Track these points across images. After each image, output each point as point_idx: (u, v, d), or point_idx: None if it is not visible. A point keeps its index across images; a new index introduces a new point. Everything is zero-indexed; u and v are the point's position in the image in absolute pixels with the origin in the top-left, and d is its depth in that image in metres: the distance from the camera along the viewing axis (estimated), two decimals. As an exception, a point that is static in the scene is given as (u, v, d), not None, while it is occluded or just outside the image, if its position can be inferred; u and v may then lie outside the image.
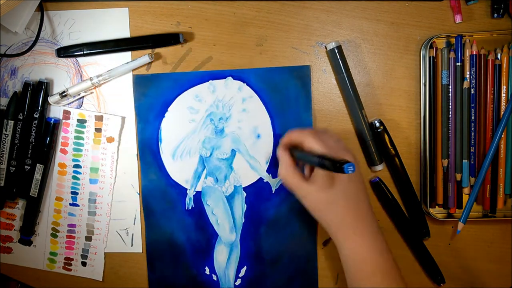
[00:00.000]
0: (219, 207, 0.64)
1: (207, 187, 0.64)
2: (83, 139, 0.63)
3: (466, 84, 0.59)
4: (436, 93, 0.60)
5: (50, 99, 0.61)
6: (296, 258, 0.64)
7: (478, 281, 0.64)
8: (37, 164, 0.62)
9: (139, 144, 0.63)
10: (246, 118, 0.63)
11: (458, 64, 0.59)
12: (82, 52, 0.61)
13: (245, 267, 0.65)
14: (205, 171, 0.64)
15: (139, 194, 0.64)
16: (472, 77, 0.59)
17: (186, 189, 0.64)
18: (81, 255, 0.65)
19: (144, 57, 0.60)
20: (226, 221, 0.64)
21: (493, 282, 0.64)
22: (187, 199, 0.64)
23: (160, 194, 0.64)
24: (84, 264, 0.65)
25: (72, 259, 0.65)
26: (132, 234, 0.65)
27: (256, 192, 0.64)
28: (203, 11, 0.61)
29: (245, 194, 0.64)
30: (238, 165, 0.63)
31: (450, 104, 0.59)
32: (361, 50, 0.61)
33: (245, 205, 0.64)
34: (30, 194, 0.62)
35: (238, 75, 0.62)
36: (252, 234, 0.64)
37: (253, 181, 0.63)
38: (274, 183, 0.63)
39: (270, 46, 0.61)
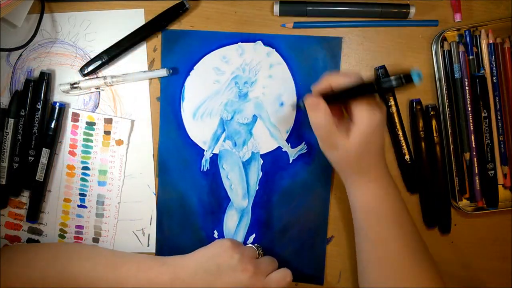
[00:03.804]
0: (235, 172, 0.64)
1: (225, 150, 0.64)
2: (92, 141, 0.64)
3: (485, 74, 0.60)
4: (450, 87, 0.61)
5: (61, 87, 0.63)
6: (306, 231, 0.64)
7: (481, 279, 0.64)
8: (43, 149, 0.62)
9: (161, 100, 0.63)
10: (272, 84, 0.63)
11: (471, 57, 0.60)
12: (103, 60, 0.62)
13: (253, 235, 0.64)
14: (224, 134, 0.63)
15: (155, 194, 0.64)
16: (493, 65, 0.60)
17: (203, 150, 0.64)
18: (88, 256, 0.65)
19: (161, 70, 0.62)
20: (240, 187, 0.64)
21: (496, 281, 0.64)
22: (203, 161, 0.64)
23: (176, 152, 0.64)
24: (91, 265, 0.65)
25: (79, 260, 0.65)
26: (149, 234, 0.65)
27: (273, 161, 0.63)
28: (204, 10, 0.63)
29: (261, 161, 0.63)
30: (258, 132, 0.63)
31: (467, 96, 0.60)
32: (363, 48, 0.63)
33: (261, 173, 0.64)
34: (36, 178, 0.63)
35: (268, 40, 0.62)
36: (264, 202, 0.64)
37: (271, 149, 0.63)
38: (292, 153, 0.63)
39: (272, 45, 0.63)
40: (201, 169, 0.64)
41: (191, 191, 0.64)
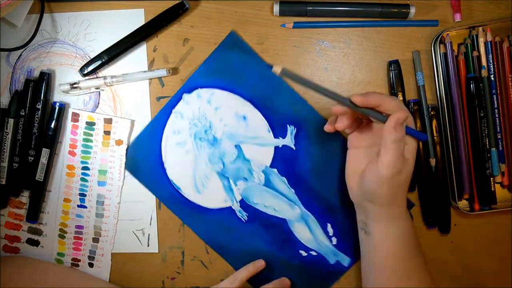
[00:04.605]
0: (267, 198, 0.64)
1: (244, 190, 0.64)
2: (91, 141, 0.64)
3: (484, 73, 0.60)
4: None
5: (61, 87, 0.63)
6: None
7: (481, 279, 0.64)
8: (43, 149, 0.62)
9: (168, 206, 0.64)
10: (223, 112, 0.63)
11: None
12: (103, 60, 0.62)
13: (328, 225, 0.64)
14: (231, 181, 0.64)
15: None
16: (490, 63, 0.60)
17: (230, 206, 0.64)
18: (88, 256, 0.65)
19: (161, 70, 0.62)
20: (281, 204, 0.64)
21: (496, 281, 0.64)
22: (238, 214, 0.64)
23: (217, 229, 0.64)
24: (91, 265, 0.65)
25: (79, 260, 0.65)
26: (149, 235, 0.65)
27: (283, 161, 0.63)
28: (204, 10, 0.63)
29: (275, 170, 0.63)
30: (250, 153, 0.63)
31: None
32: (363, 48, 0.63)
33: (284, 178, 0.64)
34: (36, 178, 0.63)
35: (190, 86, 0.63)
36: (310, 195, 0.64)
37: (272, 155, 0.63)
38: (289, 141, 0.63)
39: (271, 44, 0.63)
40: (243, 221, 0.64)
41: (254, 242, 0.64)
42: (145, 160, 0.64)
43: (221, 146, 0.63)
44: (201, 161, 0.64)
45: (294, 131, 0.63)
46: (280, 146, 0.63)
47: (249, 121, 0.63)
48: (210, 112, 0.63)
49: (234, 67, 0.63)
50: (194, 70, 0.63)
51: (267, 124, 0.63)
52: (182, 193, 0.64)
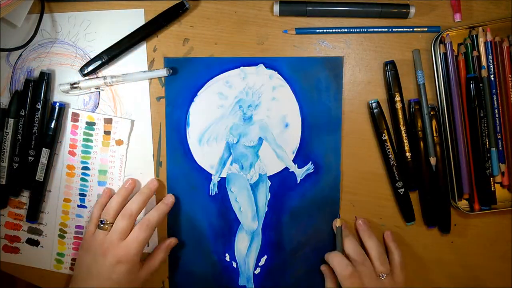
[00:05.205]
0: (243, 195, 0.64)
1: (232, 174, 0.64)
2: (92, 141, 0.64)
3: (484, 73, 0.60)
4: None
5: (61, 87, 0.63)
6: (317, 250, 0.64)
7: (481, 279, 0.64)
8: (43, 149, 0.62)
9: (167, 127, 0.64)
10: (275, 106, 0.63)
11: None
12: (103, 60, 0.62)
13: (265, 256, 0.65)
14: (230, 158, 0.64)
15: (155, 194, 0.65)
16: (490, 63, 0.60)
17: (211, 174, 0.64)
18: (88, 256, 0.65)
19: (161, 70, 0.62)
20: (249, 209, 0.64)
21: (496, 281, 0.64)
22: (211, 185, 0.64)
23: (184, 178, 0.64)
24: (90, 265, 0.65)
25: (79, 260, 0.65)
26: None
27: (281, 182, 0.64)
28: (204, 10, 0.63)
29: (269, 183, 0.64)
30: (264, 154, 0.64)
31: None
32: (363, 48, 0.63)
33: (269, 194, 0.64)
34: (36, 178, 0.63)
35: (270, 63, 0.63)
36: (274, 224, 0.64)
37: (278, 170, 0.64)
38: (299, 173, 0.63)
39: (271, 44, 0.63)
40: (210, 194, 0.64)
41: (201, 216, 0.65)
42: (184, 78, 0.63)
43: (249, 128, 0.63)
44: (224, 122, 0.64)
45: (311, 171, 0.63)
46: (290, 170, 0.63)
47: (286, 131, 0.63)
48: (266, 96, 0.63)
49: (315, 83, 0.62)
50: (281, 56, 0.63)
51: (297, 147, 0.63)
52: (187, 130, 0.64)
